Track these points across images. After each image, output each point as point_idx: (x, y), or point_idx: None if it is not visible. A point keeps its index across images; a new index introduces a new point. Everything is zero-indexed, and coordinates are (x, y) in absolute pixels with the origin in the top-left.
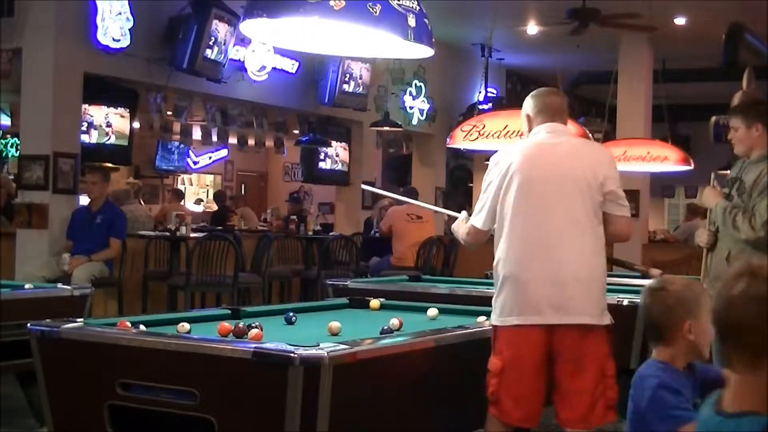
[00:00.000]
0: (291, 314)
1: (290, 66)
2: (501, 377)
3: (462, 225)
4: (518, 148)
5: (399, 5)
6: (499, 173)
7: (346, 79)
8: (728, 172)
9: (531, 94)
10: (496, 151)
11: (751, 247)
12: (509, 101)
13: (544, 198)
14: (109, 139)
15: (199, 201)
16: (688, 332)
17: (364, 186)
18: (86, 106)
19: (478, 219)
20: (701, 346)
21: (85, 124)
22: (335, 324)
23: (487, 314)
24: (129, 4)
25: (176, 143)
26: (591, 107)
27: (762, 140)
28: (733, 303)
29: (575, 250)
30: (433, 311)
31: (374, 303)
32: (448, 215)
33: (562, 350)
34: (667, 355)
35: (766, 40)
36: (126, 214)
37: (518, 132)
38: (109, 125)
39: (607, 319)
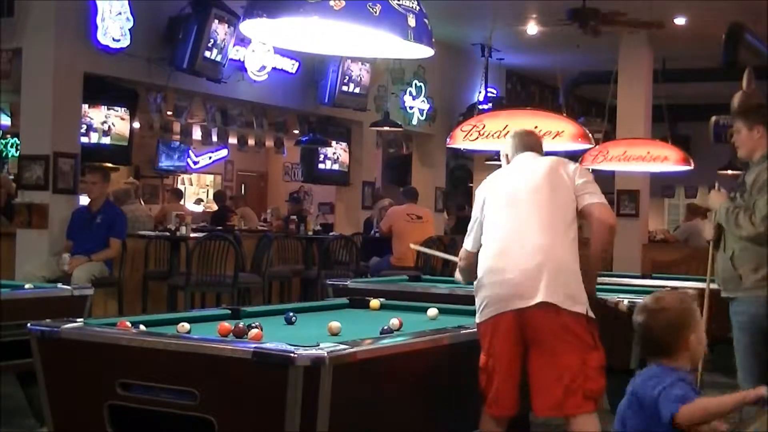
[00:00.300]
0: (291, 314)
1: (290, 66)
2: (486, 371)
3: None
4: (495, 173)
5: (399, 5)
6: (481, 198)
7: (346, 80)
8: (728, 172)
9: (510, 134)
10: (496, 151)
11: (753, 243)
12: (509, 101)
13: (517, 204)
14: (109, 139)
15: (199, 201)
16: (689, 344)
17: (413, 246)
18: (86, 106)
19: (467, 242)
20: (698, 355)
21: (85, 127)
22: (335, 324)
23: None
24: (129, 4)
25: (179, 142)
26: (591, 107)
27: (763, 142)
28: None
29: (546, 244)
30: (433, 311)
31: (374, 303)
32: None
33: (531, 333)
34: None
35: (766, 40)
36: (126, 214)
37: None
38: (108, 125)
39: (578, 308)
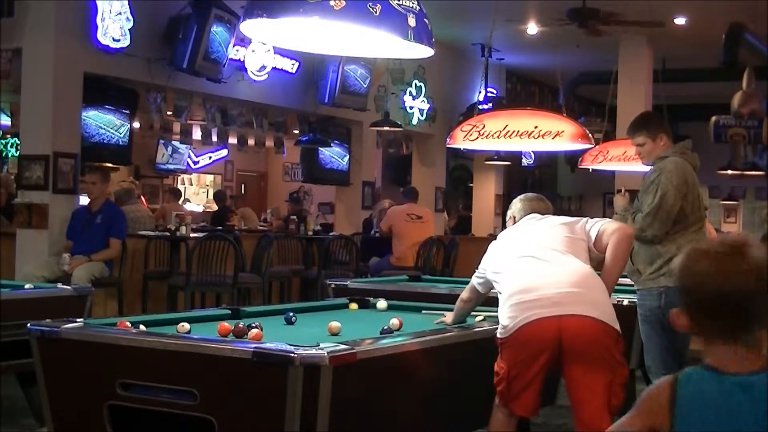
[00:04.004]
0: (291, 314)
1: (290, 66)
2: (506, 379)
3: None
4: (508, 231)
5: (399, 5)
6: (494, 249)
7: (347, 81)
8: (728, 172)
9: (519, 197)
10: (496, 151)
11: (639, 242)
12: (509, 101)
13: (539, 251)
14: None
15: (186, 201)
16: None
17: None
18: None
19: (477, 282)
20: None
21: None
22: (335, 324)
23: (487, 314)
24: (129, 4)
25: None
26: (591, 107)
27: (668, 146)
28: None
29: (575, 275)
30: (382, 303)
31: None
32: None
33: (569, 341)
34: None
35: (766, 40)
36: (128, 214)
37: (518, 132)
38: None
39: (614, 324)
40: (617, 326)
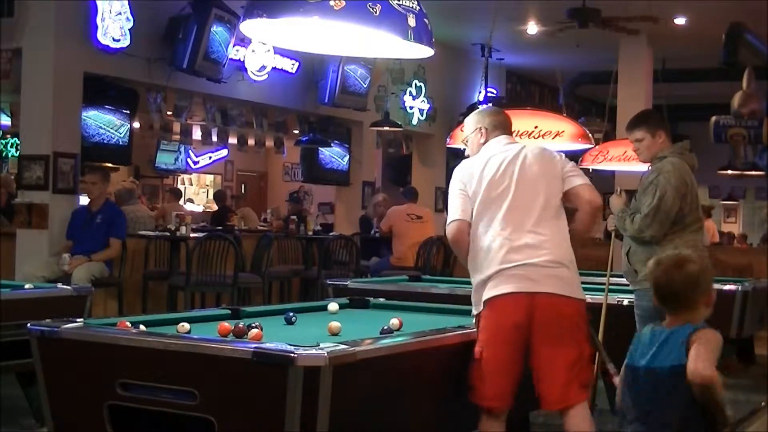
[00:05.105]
0: (291, 314)
1: (290, 66)
2: (479, 362)
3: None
4: (479, 157)
5: (399, 5)
6: (466, 176)
7: (346, 81)
8: (728, 172)
9: (480, 110)
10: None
11: (636, 242)
12: (509, 101)
13: (515, 195)
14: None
15: (189, 201)
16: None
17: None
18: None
19: (455, 212)
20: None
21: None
22: (335, 324)
23: None
24: (129, 4)
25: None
26: (591, 107)
27: (666, 145)
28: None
29: (547, 239)
30: (333, 306)
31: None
32: None
33: (539, 319)
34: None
35: (766, 40)
36: (128, 214)
37: (518, 132)
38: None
39: (581, 295)
40: (582, 294)
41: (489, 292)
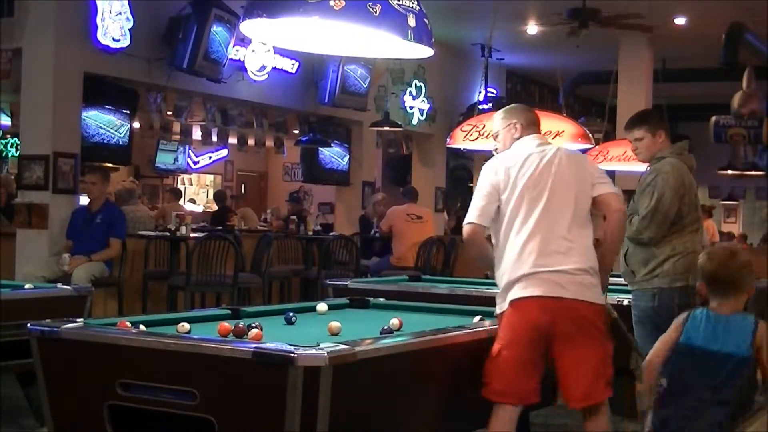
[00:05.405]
0: (291, 314)
1: (290, 66)
2: (497, 359)
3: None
4: (516, 155)
5: (399, 5)
6: (498, 174)
7: (346, 81)
8: (729, 172)
9: (511, 106)
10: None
11: (634, 243)
12: (509, 101)
13: (547, 197)
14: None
15: (191, 201)
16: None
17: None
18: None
19: (473, 214)
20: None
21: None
22: (335, 324)
23: (486, 314)
24: (129, 4)
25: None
26: (591, 107)
27: (666, 145)
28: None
29: (575, 245)
30: (322, 306)
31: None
32: None
33: (562, 324)
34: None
35: (766, 40)
36: (128, 214)
37: None
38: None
39: (601, 300)
40: (603, 300)
41: (517, 293)
